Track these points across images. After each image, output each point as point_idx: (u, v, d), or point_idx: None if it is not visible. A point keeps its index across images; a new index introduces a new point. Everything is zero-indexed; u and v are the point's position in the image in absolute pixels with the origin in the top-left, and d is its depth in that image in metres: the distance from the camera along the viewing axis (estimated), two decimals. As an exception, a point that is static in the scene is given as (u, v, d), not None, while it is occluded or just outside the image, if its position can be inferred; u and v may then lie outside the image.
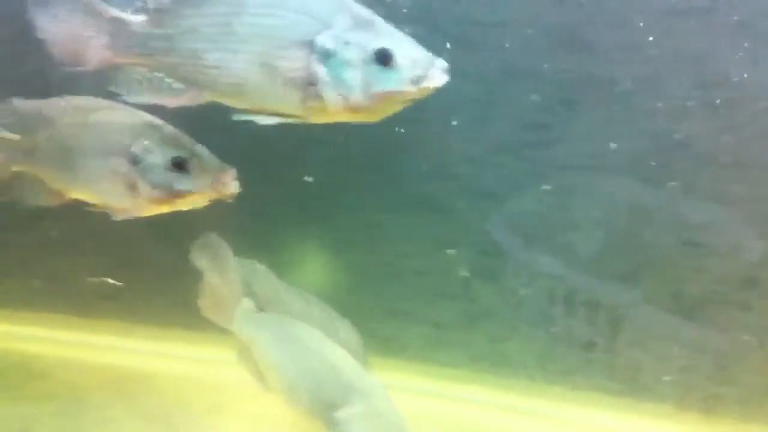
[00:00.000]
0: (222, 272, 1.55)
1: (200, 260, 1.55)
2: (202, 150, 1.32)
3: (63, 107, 1.42)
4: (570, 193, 1.96)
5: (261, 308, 1.59)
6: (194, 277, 1.82)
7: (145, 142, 1.33)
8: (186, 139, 1.33)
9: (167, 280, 2.02)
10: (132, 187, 1.33)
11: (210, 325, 1.98)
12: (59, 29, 1.20)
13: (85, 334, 2.21)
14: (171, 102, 1.19)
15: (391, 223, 2.06)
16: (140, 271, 2.13)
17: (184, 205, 1.33)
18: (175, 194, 1.31)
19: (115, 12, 1.18)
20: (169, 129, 1.34)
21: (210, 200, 1.32)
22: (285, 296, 1.53)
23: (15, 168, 1.45)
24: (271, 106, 1.14)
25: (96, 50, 1.19)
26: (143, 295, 2.14)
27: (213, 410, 1.87)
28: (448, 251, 2.03)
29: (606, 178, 1.94)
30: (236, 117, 1.14)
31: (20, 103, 1.45)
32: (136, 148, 1.33)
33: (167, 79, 1.18)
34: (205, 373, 2.08)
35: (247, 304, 1.58)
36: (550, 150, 1.96)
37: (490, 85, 1.98)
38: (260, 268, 1.57)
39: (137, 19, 1.18)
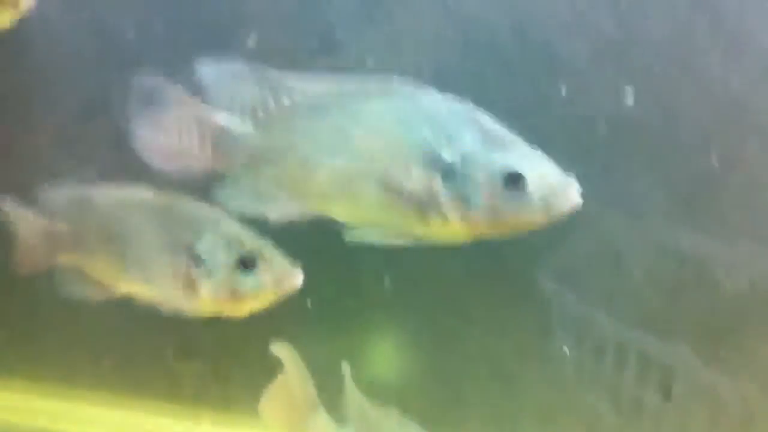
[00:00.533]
0: (302, 375, 1.44)
1: (282, 355, 1.45)
2: (268, 246, 1.26)
3: (117, 195, 1.36)
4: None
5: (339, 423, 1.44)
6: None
7: (209, 240, 1.27)
8: (251, 235, 1.27)
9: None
10: (192, 287, 1.26)
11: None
12: (160, 137, 1.13)
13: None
14: (277, 214, 1.12)
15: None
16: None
17: (246, 304, 1.27)
18: (239, 295, 1.25)
19: (221, 120, 1.12)
20: (233, 224, 1.28)
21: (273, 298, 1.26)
22: (372, 413, 1.41)
23: (60, 258, 1.39)
24: (387, 223, 1.07)
25: (198, 159, 1.13)
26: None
27: None
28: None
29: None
30: (349, 238, 1.08)
31: (69, 189, 1.39)
32: (199, 247, 1.27)
33: (273, 189, 1.12)
34: None
35: (323, 416, 1.42)
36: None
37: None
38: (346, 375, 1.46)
39: (245, 128, 1.12)
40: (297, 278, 1.23)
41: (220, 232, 1.26)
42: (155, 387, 2.03)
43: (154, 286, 1.30)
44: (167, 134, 1.13)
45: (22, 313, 1.97)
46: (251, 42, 1.53)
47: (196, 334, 1.93)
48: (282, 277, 1.23)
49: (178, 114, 1.13)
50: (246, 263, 1.23)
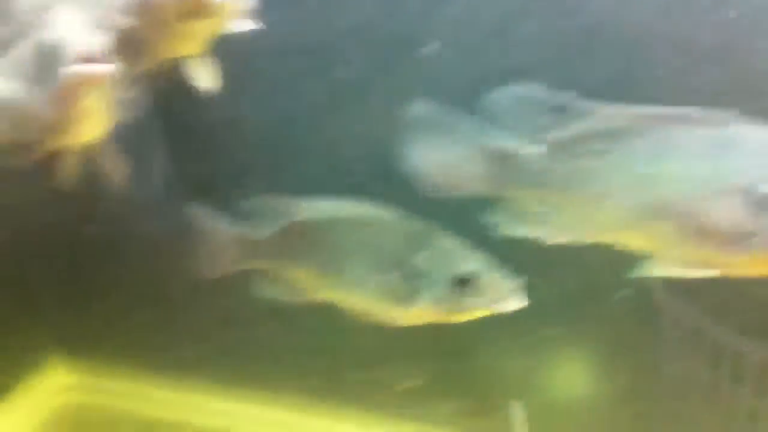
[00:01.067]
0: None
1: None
2: (487, 265, 1.23)
3: (326, 208, 1.35)
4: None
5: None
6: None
7: (427, 255, 1.25)
8: (470, 253, 1.25)
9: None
10: (403, 301, 1.25)
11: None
12: (438, 158, 1.11)
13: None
14: (552, 239, 1.08)
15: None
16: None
17: (459, 317, 1.25)
18: (451, 312, 1.23)
19: (506, 141, 1.08)
20: (452, 241, 1.26)
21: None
22: None
23: (256, 265, 1.41)
24: (685, 256, 1.02)
25: (475, 180, 1.10)
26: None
27: None
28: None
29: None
30: (640, 271, 1.04)
31: (272, 199, 1.40)
32: (415, 262, 1.25)
33: (554, 215, 1.07)
34: None
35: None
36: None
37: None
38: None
39: (532, 150, 1.08)
40: (513, 302, 1.20)
41: (438, 248, 1.25)
42: (361, 395, 2.02)
43: (360, 298, 1.30)
44: (445, 156, 1.10)
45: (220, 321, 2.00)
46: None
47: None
48: (498, 298, 1.20)
49: (456, 137, 1.10)
50: (463, 282, 1.21)
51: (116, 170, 1.41)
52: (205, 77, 1.30)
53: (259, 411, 2.11)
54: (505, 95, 1.09)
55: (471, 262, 1.22)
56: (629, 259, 1.07)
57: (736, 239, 0.99)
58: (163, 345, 2.12)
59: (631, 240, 1.05)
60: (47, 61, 1.00)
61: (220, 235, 1.42)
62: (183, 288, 2.02)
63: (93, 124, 1.09)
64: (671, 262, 1.02)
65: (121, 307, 2.12)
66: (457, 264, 1.22)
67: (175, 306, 2.08)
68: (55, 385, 2.19)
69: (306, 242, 1.35)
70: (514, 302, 1.18)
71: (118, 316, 2.14)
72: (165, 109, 1.57)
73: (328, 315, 1.38)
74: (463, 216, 1.18)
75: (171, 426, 2.08)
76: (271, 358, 2.05)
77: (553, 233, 1.08)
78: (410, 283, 1.24)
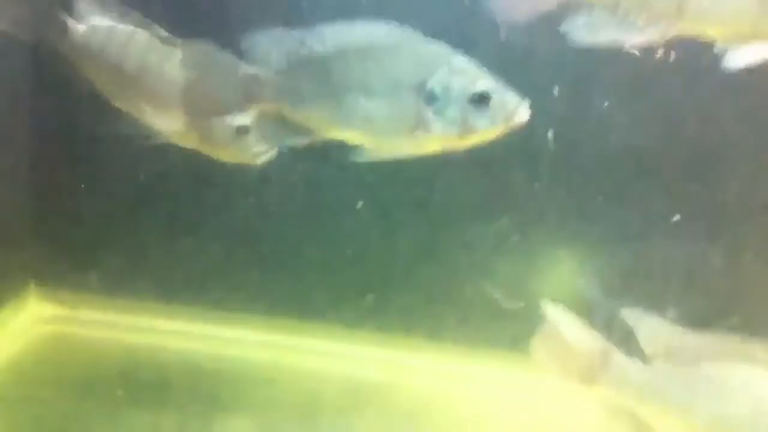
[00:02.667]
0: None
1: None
2: (498, 81, 1.25)
3: (333, 36, 1.31)
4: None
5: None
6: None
7: (443, 75, 1.25)
8: (483, 71, 1.26)
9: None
10: (422, 125, 1.26)
11: (461, 336, 1.97)
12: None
13: (311, 339, 2.09)
14: (634, 40, 1.17)
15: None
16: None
17: (474, 140, 1.28)
18: (471, 131, 1.26)
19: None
20: (465, 60, 1.27)
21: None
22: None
23: (262, 107, 1.38)
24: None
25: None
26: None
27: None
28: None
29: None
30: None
31: (276, 33, 1.35)
32: (432, 84, 1.25)
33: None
34: (455, 388, 1.96)
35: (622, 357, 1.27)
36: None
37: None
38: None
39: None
40: (525, 113, 1.24)
41: (454, 68, 1.25)
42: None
43: (374, 130, 1.29)
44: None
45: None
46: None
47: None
48: (512, 112, 1.24)
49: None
50: (480, 99, 1.23)
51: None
52: None
53: (237, 333, 2.10)
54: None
55: (485, 80, 1.24)
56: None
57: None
58: (140, 273, 2.10)
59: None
60: None
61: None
62: (156, 222, 2.05)
63: None
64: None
65: (96, 237, 2.10)
66: (474, 82, 1.23)
67: (149, 238, 2.08)
68: (32, 316, 2.12)
69: (315, 74, 1.30)
70: (523, 116, 1.24)
71: (94, 245, 2.11)
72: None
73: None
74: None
75: (151, 350, 2.05)
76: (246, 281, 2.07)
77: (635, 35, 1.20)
78: (426, 106, 1.24)
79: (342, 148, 1.33)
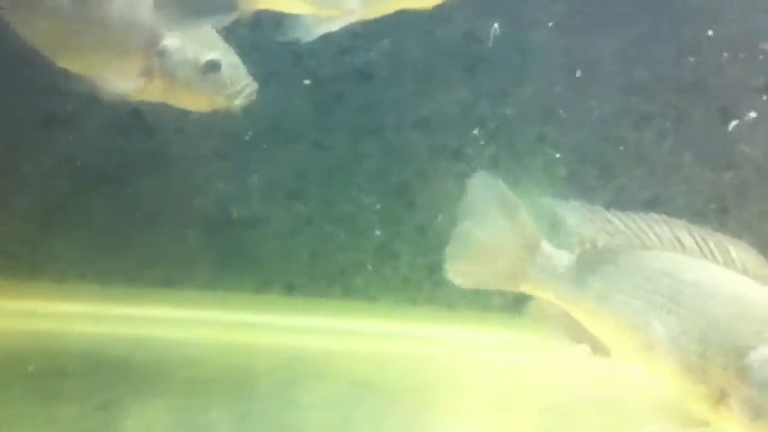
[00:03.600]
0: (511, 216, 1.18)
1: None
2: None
3: None
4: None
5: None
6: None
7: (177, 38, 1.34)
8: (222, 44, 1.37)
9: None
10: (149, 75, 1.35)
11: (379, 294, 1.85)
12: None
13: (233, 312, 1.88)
14: None
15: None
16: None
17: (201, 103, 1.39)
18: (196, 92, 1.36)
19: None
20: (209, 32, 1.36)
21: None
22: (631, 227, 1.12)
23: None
24: None
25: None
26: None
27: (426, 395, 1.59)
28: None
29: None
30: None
31: None
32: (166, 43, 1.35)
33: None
34: (402, 348, 1.82)
35: (549, 248, 1.17)
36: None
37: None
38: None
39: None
40: (252, 88, 1.35)
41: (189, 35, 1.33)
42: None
43: (105, 66, 1.35)
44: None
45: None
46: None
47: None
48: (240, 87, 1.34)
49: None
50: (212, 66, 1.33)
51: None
52: None
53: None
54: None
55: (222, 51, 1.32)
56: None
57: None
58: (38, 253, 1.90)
59: None
60: None
61: None
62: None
63: None
64: None
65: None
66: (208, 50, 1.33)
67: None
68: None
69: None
70: (253, 90, 1.35)
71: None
72: None
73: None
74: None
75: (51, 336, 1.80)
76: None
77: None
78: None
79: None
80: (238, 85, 1.38)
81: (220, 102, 1.38)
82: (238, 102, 1.38)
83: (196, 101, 1.43)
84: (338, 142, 1.88)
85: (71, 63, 1.39)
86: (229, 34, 1.40)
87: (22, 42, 1.38)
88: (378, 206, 1.88)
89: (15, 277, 1.89)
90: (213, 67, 1.37)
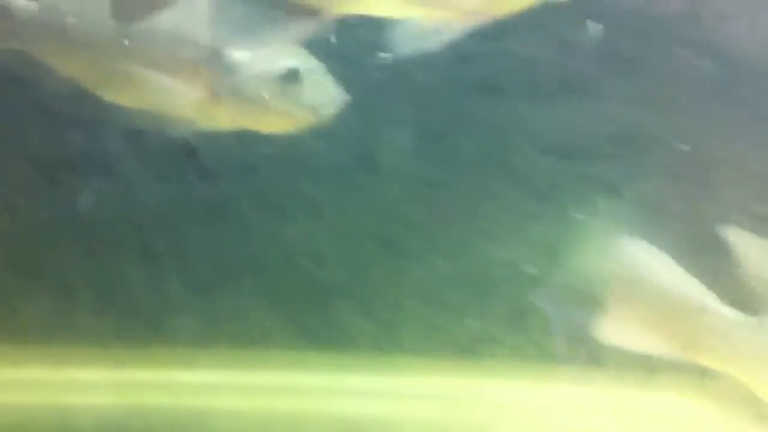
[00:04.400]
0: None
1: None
2: None
3: None
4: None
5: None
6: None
7: None
8: None
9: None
10: None
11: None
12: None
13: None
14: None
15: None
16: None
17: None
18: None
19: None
20: None
21: None
22: None
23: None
24: None
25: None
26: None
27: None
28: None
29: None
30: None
31: None
32: None
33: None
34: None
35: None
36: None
37: None
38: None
39: None
40: (343, 98, 1.20)
41: None
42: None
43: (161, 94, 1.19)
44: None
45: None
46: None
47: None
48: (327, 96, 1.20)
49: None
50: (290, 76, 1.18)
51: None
52: None
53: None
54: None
55: None
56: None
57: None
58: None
59: None
60: None
61: None
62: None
63: None
64: None
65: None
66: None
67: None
68: None
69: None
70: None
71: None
72: None
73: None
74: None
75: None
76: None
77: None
78: None
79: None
80: (324, 93, 1.20)
81: (303, 118, 1.20)
82: (326, 113, 1.20)
83: (274, 121, 1.22)
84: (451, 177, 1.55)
85: (120, 94, 1.22)
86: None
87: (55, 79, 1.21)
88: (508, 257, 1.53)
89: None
90: (291, 76, 1.18)
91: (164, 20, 1.18)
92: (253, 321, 1.61)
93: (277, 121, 1.24)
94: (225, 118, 1.23)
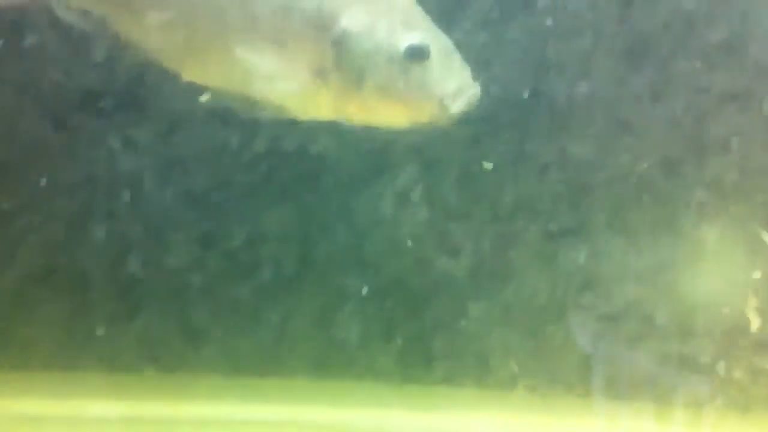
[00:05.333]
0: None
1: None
2: None
3: None
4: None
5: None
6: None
7: None
8: None
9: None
10: None
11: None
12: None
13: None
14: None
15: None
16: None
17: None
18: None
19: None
20: None
21: None
22: None
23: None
24: None
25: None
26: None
27: None
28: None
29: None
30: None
31: None
32: None
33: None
34: None
35: None
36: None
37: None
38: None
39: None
40: (476, 90, 1.00)
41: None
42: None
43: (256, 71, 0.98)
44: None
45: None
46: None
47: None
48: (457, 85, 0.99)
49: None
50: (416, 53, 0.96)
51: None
52: None
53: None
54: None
55: None
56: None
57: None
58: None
59: None
60: None
61: None
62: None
63: None
64: None
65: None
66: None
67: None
68: None
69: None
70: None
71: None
72: None
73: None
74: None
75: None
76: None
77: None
78: None
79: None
80: (455, 82, 0.97)
81: (427, 111, 0.97)
82: (455, 109, 0.97)
83: (391, 112, 0.98)
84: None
85: (202, 72, 1.02)
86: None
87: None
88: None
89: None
90: (418, 54, 0.94)
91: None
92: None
93: (393, 113, 0.99)
94: (326, 107, 1.00)
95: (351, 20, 0.95)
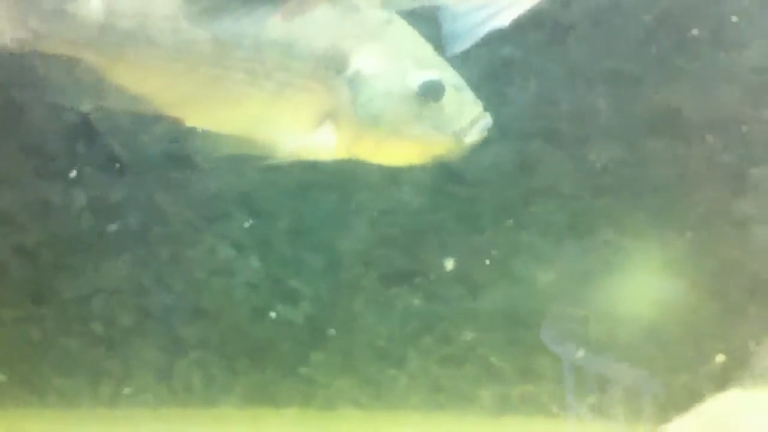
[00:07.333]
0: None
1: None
2: None
3: None
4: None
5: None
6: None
7: None
8: None
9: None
10: None
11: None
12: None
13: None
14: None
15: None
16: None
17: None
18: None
19: None
20: None
21: None
22: None
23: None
24: None
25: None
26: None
27: None
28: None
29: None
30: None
31: None
32: None
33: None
34: None
35: None
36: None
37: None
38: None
39: None
40: (487, 120, 1.01)
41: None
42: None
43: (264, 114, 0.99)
44: None
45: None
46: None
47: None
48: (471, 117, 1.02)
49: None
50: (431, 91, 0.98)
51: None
52: None
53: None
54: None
55: None
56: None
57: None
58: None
59: None
60: None
61: None
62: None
63: None
64: None
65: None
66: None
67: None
68: None
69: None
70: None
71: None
72: None
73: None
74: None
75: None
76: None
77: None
78: None
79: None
80: (469, 115, 0.99)
81: (442, 146, 0.99)
82: (469, 140, 0.99)
83: (406, 150, 1.00)
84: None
85: (208, 118, 1.00)
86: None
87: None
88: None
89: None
90: (432, 91, 0.96)
91: (272, 25, 0.95)
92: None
93: (407, 150, 0.99)
94: (338, 148, 0.98)
95: (363, 61, 0.94)
